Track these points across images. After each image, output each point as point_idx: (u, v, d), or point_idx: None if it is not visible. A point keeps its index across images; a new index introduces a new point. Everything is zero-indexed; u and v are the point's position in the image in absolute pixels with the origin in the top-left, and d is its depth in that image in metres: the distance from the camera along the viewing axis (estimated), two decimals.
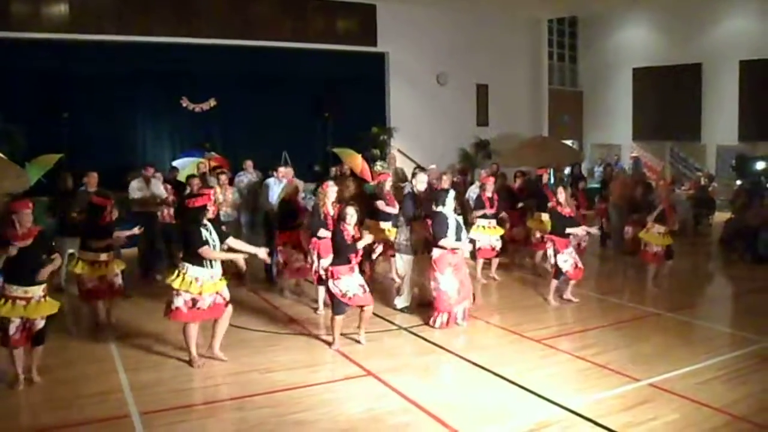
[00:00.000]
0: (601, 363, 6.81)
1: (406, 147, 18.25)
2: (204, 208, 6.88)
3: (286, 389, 6.20)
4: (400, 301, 9.06)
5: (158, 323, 8.18)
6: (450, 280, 8.17)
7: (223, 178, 11.13)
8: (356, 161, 15.20)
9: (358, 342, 7.52)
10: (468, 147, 19.68)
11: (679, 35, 20.75)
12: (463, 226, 8.45)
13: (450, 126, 19.33)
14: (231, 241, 7.08)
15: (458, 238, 8.22)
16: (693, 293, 10.61)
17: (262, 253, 7.21)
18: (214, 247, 6.78)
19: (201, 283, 6.68)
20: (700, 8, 19.64)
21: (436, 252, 8.23)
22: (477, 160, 19.24)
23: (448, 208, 8.27)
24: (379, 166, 16.94)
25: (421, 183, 9.27)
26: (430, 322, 8.25)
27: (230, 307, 7.00)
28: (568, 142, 21.96)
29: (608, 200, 13.35)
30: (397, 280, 9.42)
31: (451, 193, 8.49)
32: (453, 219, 8.27)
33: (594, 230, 10.71)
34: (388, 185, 10.78)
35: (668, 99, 20.99)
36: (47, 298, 6.42)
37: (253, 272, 10.62)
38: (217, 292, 6.80)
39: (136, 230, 8.86)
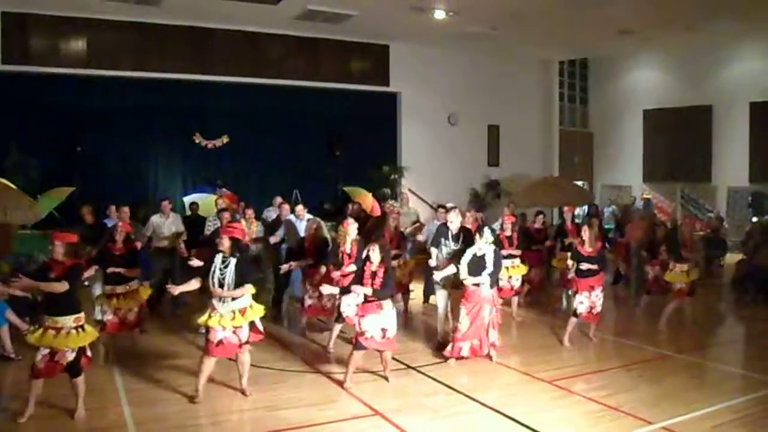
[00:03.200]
0: (614, 405, 6.68)
1: (417, 186, 18.29)
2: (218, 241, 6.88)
3: (292, 428, 6.10)
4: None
5: (165, 358, 8.18)
6: (462, 312, 8.23)
7: (249, 212, 11.13)
8: (367, 200, 15.24)
9: (385, 378, 7.55)
10: (479, 187, 19.71)
11: (689, 77, 20.81)
12: (489, 265, 8.21)
13: (461, 166, 19.39)
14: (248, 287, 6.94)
15: (476, 274, 8.17)
16: (705, 335, 10.44)
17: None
18: (222, 282, 6.65)
19: (214, 316, 6.63)
20: (711, 50, 19.71)
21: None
22: (488, 200, 19.24)
23: (479, 244, 8.27)
24: (389, 205, 16.96)
25: (455, 218, 9.13)
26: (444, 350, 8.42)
27: (245, 348, 6.89)
28: (579, 183, 21.92)
29: (626, 242, 13.34)
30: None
31: (483, 231, 8.43)
32: (472, 256, 8.22)
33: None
34: (392, 223, 10.81)
35: (679, 140, 20.98)
36: (84, 328, 6.33)
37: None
38: (234, 330, 6.70)
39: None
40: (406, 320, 10.65)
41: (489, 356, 8.36)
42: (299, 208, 11.22)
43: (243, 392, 6.98)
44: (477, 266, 8.19)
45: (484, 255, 8.24)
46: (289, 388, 7.29)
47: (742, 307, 12.47)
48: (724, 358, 8.96)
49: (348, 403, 6.86)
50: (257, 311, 6.92)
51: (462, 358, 8.24)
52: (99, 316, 9.59)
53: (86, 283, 9.05)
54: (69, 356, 6.22)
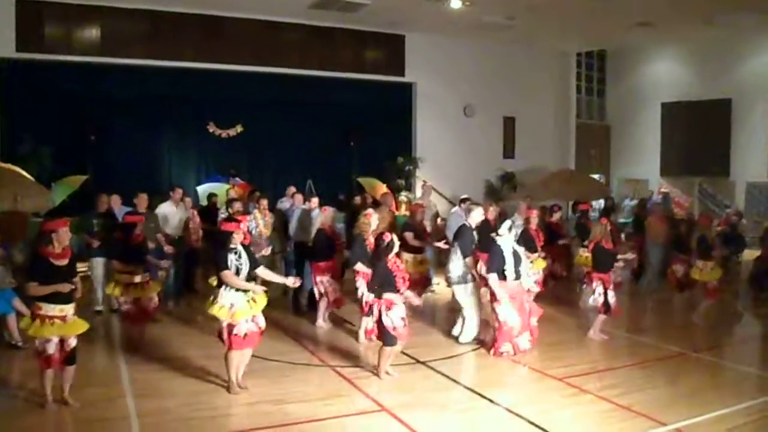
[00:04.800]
0: (625, 405, 6.53)
1: (431, 178, 18.15)
2: (231, 233, 6.74)
3: (298, 423, 6.01)
4: (464, 336, 8.82)
5: (170, 349, 8.14)
6: (508, 310, 8.08)
7: (263, 202, 11.01)
8: (381, 191, 15.12)
9: (388, 374, 7.39)
10: (493, 179, 19.52)
11: (708, 70, 20.47)
12: (524, 258, 8.35)
13: (476, 157, 19.21)
14: (260, 270, 6.94)
15: (518, 271, 8.16)
16: (721, 333, 10.24)
17: (290, 281, 7.13)
18: (240, 271, 6.62)
19: (235, 310, 6.54)
20: (731, 44, 19.37)
21: (493, 282, 8.16)
22: (503, 192, 19.06)
23: (506, 238, 8.20)
24: (404, 196, 16.85)
25: (476, 217, 8.92)
26: (492, 352, 8.23)
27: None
28: (596, 177, 21.68)
29: (644, 236, 13.10)
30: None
31: (507, 223, 8.40)
32: (510, 250, 8.20)
33: (630, 255, 10.61)
34: (420, 216, 10.66)
35: (697, 134, 20.66)
36: (76, 317, 6.35)
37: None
38: (253, 319, 6.66)
39: (163, 263, 8.83)
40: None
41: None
42: (314, 200, 11.08)
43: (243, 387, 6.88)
44: (517, 263, 8.22)
45: (514, 249, 8.29)
46: (295, 381, 7.21)
47: (759, 305, 12.24)
48: (740, 358, 8.76)
49: (355, 398, 6.75)
50: (263, 300, 6.84)
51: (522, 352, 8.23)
52: (99, 306, 9.64)
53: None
54: (73, 343, 6.25)
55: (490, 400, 6.70)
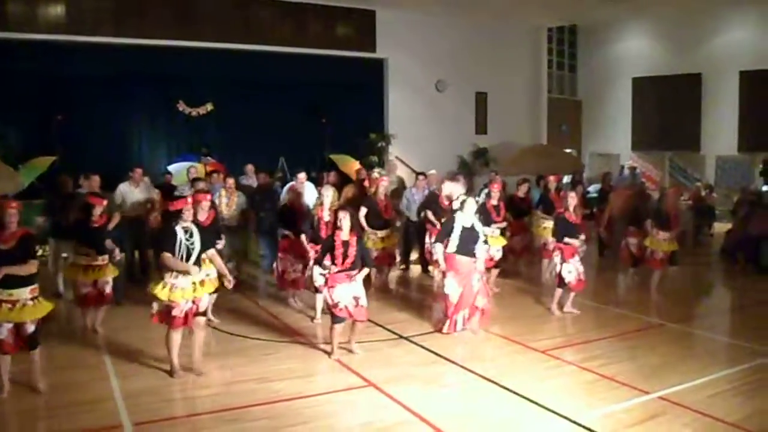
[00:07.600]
0: (609, 375, 6.62)
1: (404, 154, 18.09)
2: (179, 212, 6.47)
3: (284, 400, 5.99)
4: None
5: (152, 330, 7.98)
6: (452, 285, 8.00)
7: (230, 181, 10.78)
8: (353, 168, 15.04)
9: (352, 352, 7.30)
10: (466, 155, 19.50)
11: (679, 45, 20.66)
12: (481, 236, 8.09)
13: (448, 133, 19.15)
14: (211, 253, 6.67)
15: (470, 248, 7.97)
16: (696, 304, 10.45)
17: (227, 282, 6.78)
18: (191, 251, 6.40)
19: (175, 290, 6.32)
20: (701, 18, 19.56)
21: (437, 252, 8.14)
22: (475, 167, 19.08)
23: (464, 213, 8.06)
24: (377, 173, 16.77)
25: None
26: (442, 328, 8.16)
27: (202, 319, 6.69)
28: (568, 151, 21.80)
29: (608, 211, 13.13)
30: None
31: (460, 198, 8.33)
32: (465, 225, 7.99)
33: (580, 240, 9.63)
34: (382, 191, 10.56)
35: (668, 109, 20.86)
36: (39, 300, 6.11)
37: (248, 279, 10.52)
38: (193, 301, 6.46)
39: (117, 252, 8.51)
40: (387, 290, 10.64)
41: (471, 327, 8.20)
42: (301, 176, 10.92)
43: (196, 371, 6.63)
44: (469, 239, 7.99)
45: (473, 225, 8.08)
46: (279, 359, 7.16)
47: (731, 277, 12.48)
48: (717, 328, 8.93)
49: (340, 374, 6.74)
50: (210, 286, 6.73)
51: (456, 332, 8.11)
52: (61, 288, 9.44)
53: (64, 255, 8.81)
54: (30, 328, 6.02)
55: (475, 373, 6.73)
